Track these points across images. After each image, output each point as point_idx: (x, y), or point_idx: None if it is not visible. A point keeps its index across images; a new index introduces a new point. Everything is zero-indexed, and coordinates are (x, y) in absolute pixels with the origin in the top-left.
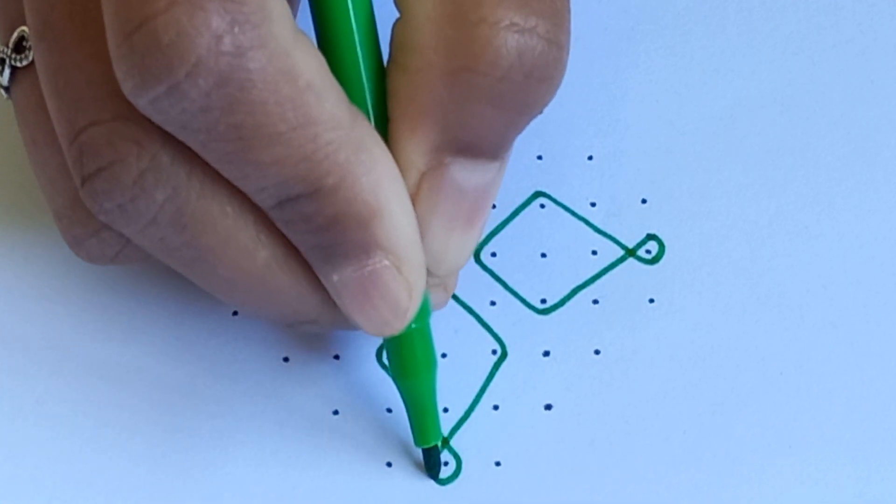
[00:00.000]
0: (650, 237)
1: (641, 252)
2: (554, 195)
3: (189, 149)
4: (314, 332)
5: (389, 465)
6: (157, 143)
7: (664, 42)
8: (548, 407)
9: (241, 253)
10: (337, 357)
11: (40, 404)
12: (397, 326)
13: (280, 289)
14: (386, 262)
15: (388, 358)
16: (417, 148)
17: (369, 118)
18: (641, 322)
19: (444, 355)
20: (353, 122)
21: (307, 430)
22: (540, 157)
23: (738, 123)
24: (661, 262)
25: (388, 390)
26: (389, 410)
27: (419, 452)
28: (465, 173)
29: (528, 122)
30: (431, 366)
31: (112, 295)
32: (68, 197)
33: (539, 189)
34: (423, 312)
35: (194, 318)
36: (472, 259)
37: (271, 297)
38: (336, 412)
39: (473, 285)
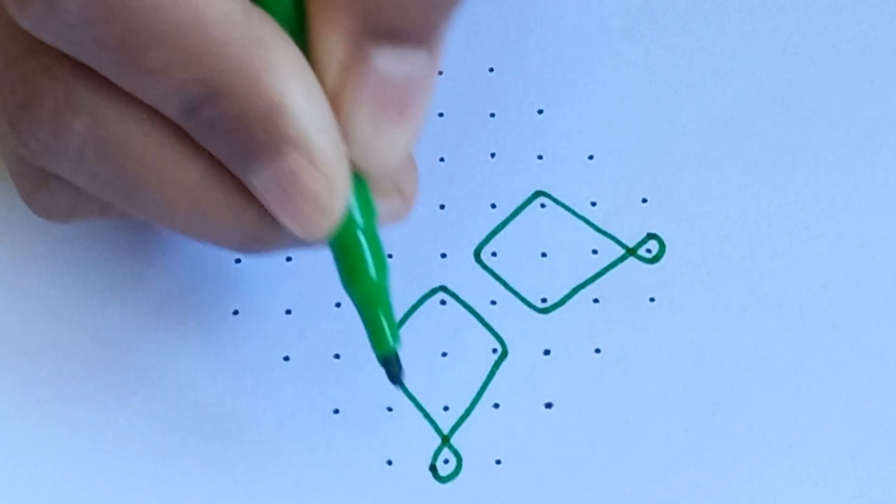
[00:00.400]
0: (651, 236)
1: (642, 251)
2: (554, 194)
3: (102, 75)
4: (264, 253)
5: (390, 463)
6: (68, 72)
7: (664, 42)
8: (548, 405)
9: (170, 174)
10: (337, 356)
11: (40, 404)
12: (325, 225)
13: (217, 205)
14: (299, 158)
15: (337, 265)
16: (336, 38)
17: (282, 12)
18: (642, 321)
19: (444, 354)
20: (248, 17)
21: (308, 429)
22: (540, 157)
23: (738, 123)
24: (662, 261)
25: (388, 389)
26: (390, 409)
27: (420, 451)
28: (390, 63)
29: (453, 4)
30: (382, 270)
31: (112, 295)
32: (15, 151)
33: (539, 188)
34: (367, 213)
35: (194, 318)
36: (472, 258)
37: (210, 216)
38: (336, 411)
39: (474, 285)
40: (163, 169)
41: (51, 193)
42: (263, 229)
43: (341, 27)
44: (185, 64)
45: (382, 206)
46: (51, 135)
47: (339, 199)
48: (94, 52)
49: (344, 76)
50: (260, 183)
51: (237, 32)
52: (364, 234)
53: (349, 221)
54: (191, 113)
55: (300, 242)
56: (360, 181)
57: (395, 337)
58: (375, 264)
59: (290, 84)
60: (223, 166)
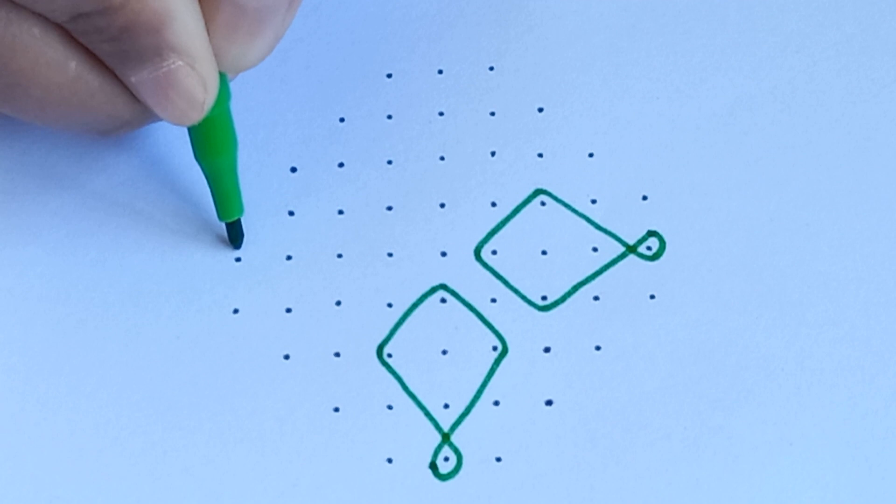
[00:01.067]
0: (651, 234)
1: (642, 248)
2: (554, 192)
3: None
4: (125, 133)
5: (390, 461)
6: None
7: (664, 39)
8: (548, 402)
9: (51, 68)
10: (337, 354)
11: (40, 404)
12: (195, 117)
13: (92, 94)
14: (179, 63)
15: (192, 142)
16: None
17: None
18: (642, 318)
19: (444, 352)
20: None
21: (308, 428)
22: (540, 155)
23: (738, 120)
24: (662, 258)
25: (388, 387)
26: (390, 407)
27: (420, 449)
28: None
29: None
30: (232, 146)
31: (112, 294)
32: None
33: (540, 186)
34: (222, 97)
35: (194, 318)
36: (472, 256)
37: (85, 105)
38: (336, 409)
39: (474, 283)
40: (46, 64)
41: None
42: (132, 114)
43: None
44: None
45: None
46: None
47: (210, 95)
48: None
49: (204, 0)
50: (139, 81)
51: None
52: (219, 118)
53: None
54: (78, 20)
55: (158, 119)
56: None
57: (239, 207)
58: (227, 144)
59: None
60: (98, 60)
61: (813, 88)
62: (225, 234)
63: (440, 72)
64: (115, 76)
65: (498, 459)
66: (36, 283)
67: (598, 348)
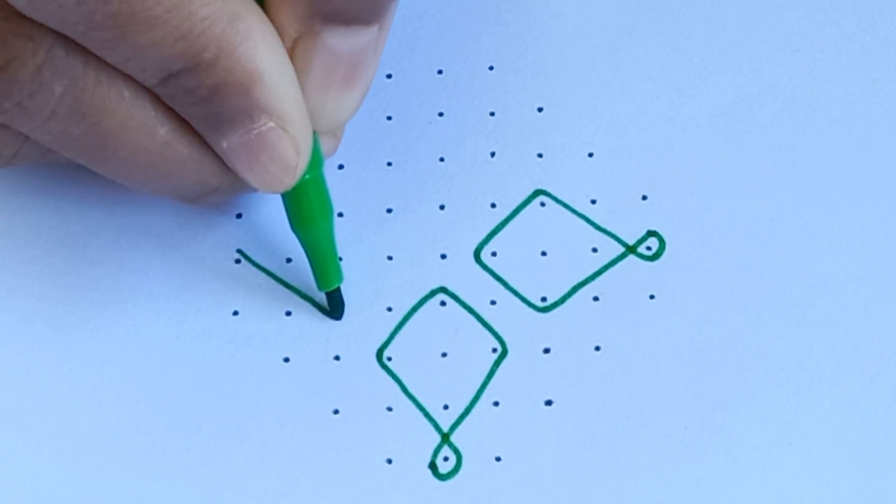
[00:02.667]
0: (651, 234)
1: (642, 249)
2: (554, 193)
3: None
4: (215, 202)
5: (389, 461)
6: (50, 37)
7: (664, 39)
8: (548, 403)
9: (140, 133)
10: (337, 357)
11: (40, 404)
12: (288, 182)
13: (181, 161)
14: (271, 124)
15: (287, 210)
16: (289, 17)
17: None
18: (642, 319)
19: (444, 354)
20: None
21: (308, 430)
22: (540, 155)
23: (738, 120)
24: (662, 258)
25: (388, 390)
26: (389, 409)
27: (420, 449)
28: (338, 39)
29: None
30: (328, 213)
31: (111, 294)
32: None
33: (539, 187)
34: (316, 162)
35: (194, 318)
36: (471, 258)
37: (173, 172)
38: (336, 411)
39: (474, 285)
40: (135, 128)
41: None
42: (221, 182)
43: (294, 6)
44: (172, 42)
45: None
46: (27, 96)
47: (303, 159)
48: (81, 29)
49: (295, 49)
50: (229, 145)
51: (217, 8)
52: (313, 184)
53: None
54: (168, 81)
55: (250, 189)
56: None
57: (339, 275)
58: (322, 211)
59: (265, 55)
60: (189, 126)
61: (813, 88)
62: (325, 303)
63: (440, 72)
64: (203, 145)
65: (497, 459)
66: (36, 283)
67: (597, 349)
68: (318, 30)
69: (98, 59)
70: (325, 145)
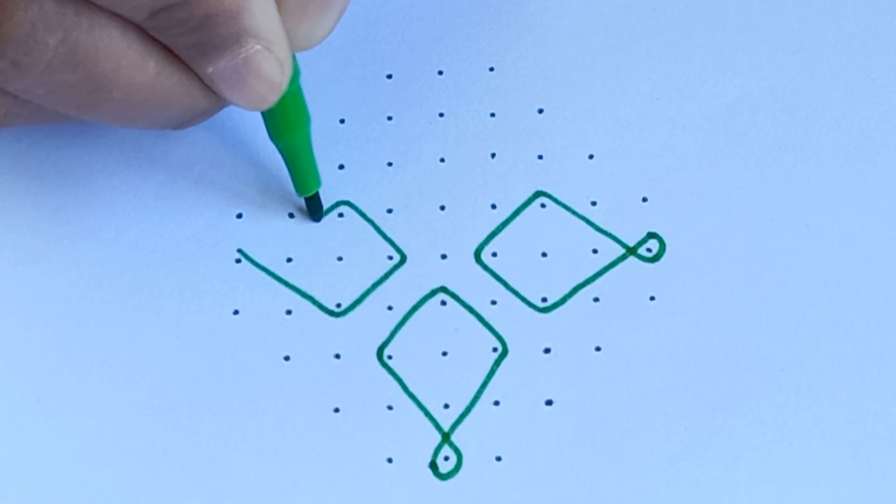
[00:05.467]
0: (651, 235)
1: (642, 250)
2: (554, 194)
3: None
4: (198, 123)
5: (390, 461)
6: None
7: (665, 40)
8: (548, 403)
9: (132, 70)
10: (337, 356)
11: (40, 404)
12: (272, 99)
13: (171, 91)
14: (258, 47)
15: (266, 122)
16: None
17: None
18: (642, 319)
19: (444, 354)
20: None
21: (308, 428)
22: (540, 157)
23: (738, 121)
24: (662, 260)
25: (388, 389)
26: (390, 408)
27: (420, 448)
28: None
29: None
30: (305, 121)
31: (112, 295)
32: None
33: (540, 188)
34: (294, 74)
35: (194, 318)
36: (472, 259)
37: (165, 102)
38: (337, 410)
39: (474, 285)
40: (127, 65)
41: None
42: (209, 104)
43: None
44: None
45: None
46: (23, 54)
47: (286, 75)
48: None
49: None
50: (215, 70)
51: None
52: (292, 95)
53: None
54: (159, 14)
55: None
56: None
57: (317, 180)
58: (301, 119)
59: None
60: (175, 56)
61: (813, 88)
62: (304, 205)
63: (440, 73)
64: (190, 70)
65: (498, 459)
66: (36, 283)
67: (598, 349)
68: None
69: (87, 4)
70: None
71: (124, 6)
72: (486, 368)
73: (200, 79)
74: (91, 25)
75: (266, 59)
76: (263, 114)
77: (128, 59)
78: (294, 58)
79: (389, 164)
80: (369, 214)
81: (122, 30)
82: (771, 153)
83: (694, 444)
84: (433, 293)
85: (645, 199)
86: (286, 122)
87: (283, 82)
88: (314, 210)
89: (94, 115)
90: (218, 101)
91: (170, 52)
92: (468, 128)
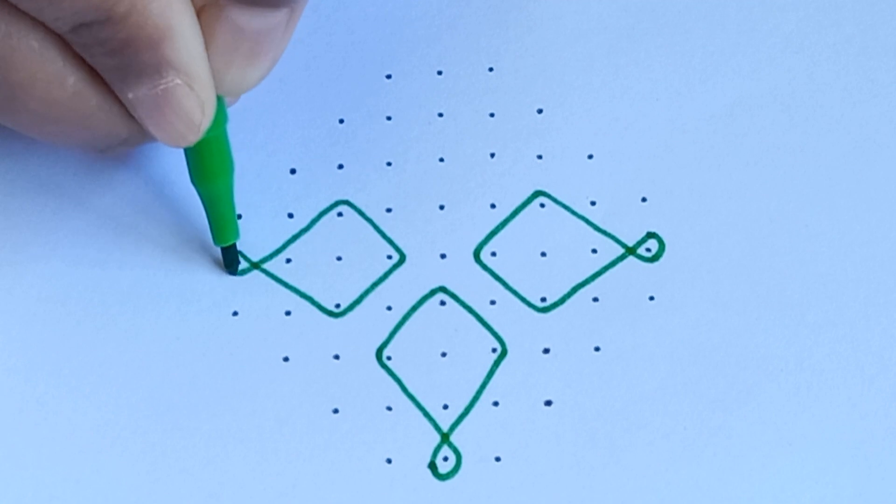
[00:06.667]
0: (650, 235)
1: (641, 250)
2: (554, 194)
3: None
4: (123, 151)
5: (389, 461)
6: None
7: (664, 41)
8: (548, 403)
9: (50, 84)
10: (337, 357)
11: (40, 405)
12: (191, 139)
13: (91, 112)
14: (178, 81)
15: (188, 164)
16: None
17: None
18: (641, 319)
19: (443, 354)
20: None
21: (307, 429)
22: (540, 157)
23: (738, 122)
24: (661, 260)
25: (387, 389)
26: (389, 408)
27: (419, 449)
28: (243, 16)
29: None
30: (228, 170)
31: (111, 296)
32: None
33: (539, 188)
34: (219, 120)
35: (193, 320)
36: (471, 258)
37: (84, 123)
38: (336, 411)
39: (473, 285)
40: (45, 78)
41: None
42: (130, 133)
43: None
44: None
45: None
46: None
47: (207, 117)
48: None
49: (203, 19)
50: (136, 98)
51: None
52: (215, 142)
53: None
54: (80, 31)
55: (156, 140)
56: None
57: (235, 232)
58: (223, 168)
59: (176, 13)
60: (98, 77)
61: (813, 88)
62: (220, 257)
63: (440, 73)
64: (114, 94)
65: (497, 459)
66: (36, 284)
67: (597, 349)
68: (224, 4)
69: (9, 8)
70: (228, 101)
71: (46, 14)
72: (485, 369)
73: (122, 106)
74: (8, 33)
75: (186, 96)
76: (186, 155)
77: (45, 73)
78: (222, 103)
79: (389, 164)
80: (368, 214)
81: (42, 42)
82: (770, 153)
83: (694, 443)
84: (432, 293)
85: (644, 199)
86: (207, 167)
87: (202, 123)
88: (229, 263)
89: (11, 122)
90: (140, 132)
91: (93, 72)
92: (467, 128)
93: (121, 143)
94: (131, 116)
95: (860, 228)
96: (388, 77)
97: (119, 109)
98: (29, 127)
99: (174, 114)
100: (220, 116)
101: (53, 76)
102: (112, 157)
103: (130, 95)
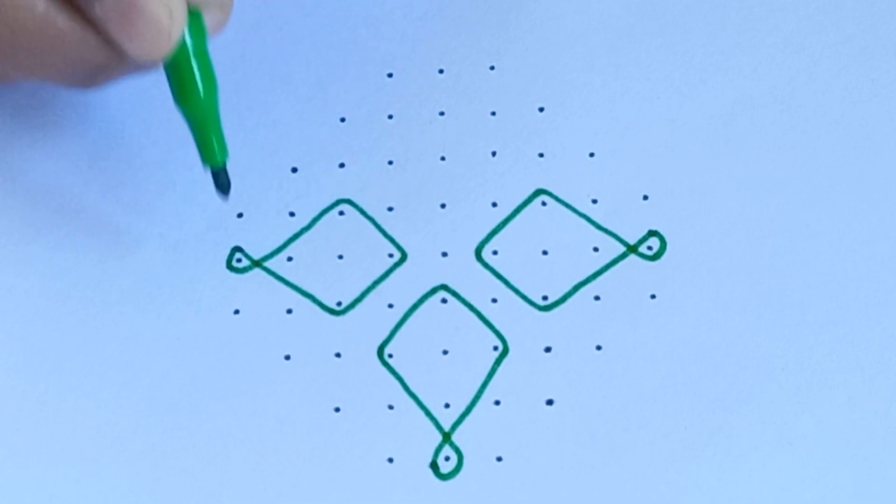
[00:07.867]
0: (651, 234)
1: (643, 248)
2: (555, 192)
3: None
4: (106, 83)
5: (391, 460)
6: None
7: (665, 40)
8: (549, 402)
9: (18, 9)
10: (338, 355)
11: (40, 404)
12: (164, 48)
13: (61, 35)
14: None
15: (170, 85)
16: None
17: None
18: (643, 318)
19: (445, 352)
20: None
21: (309, 428)
22: (541, 155)
23: (739, 121)
24: (663, 258)
25: (389, 387)
26: (391, 407)
27: (421, 448)
28: None
29: None
30: (212, 88)
31: (112, 295)
32: None
33: (540, 187)
34: (198, 33)
35: (194, 318)
36: (473, 257)
37: (56, 48)
38: (337, 409)
39: (475, 283)
40: (12, 5)
41: None
42: (106, 58)
43: None
44: None
45: (206, 19)
46: None
47: (177, 22)
48: None
49: None
50: (102, 9)
51: None
52: (195, 56)
53: (183, 45)
54: None
55: (139, 69)
56: (191, 9)
57: (223, 151)
58: (206, 84)
59: None
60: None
61: (813, 88)
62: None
63: (441, 71)
64: (83, 15)
65: (499, 459)
66: (36, 283)
67: (598, 348)
68: None
69: None
70: (213, 18)
71: None
72: (486, 367)
73: (93, 28)
74: None
75: (151, 1)
76: (167, 74)
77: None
78: (199, 17)
79: (390, 163)
80: (370, 212)
81: None
82: (771, 152)
83: (694, 443)
84: (434, 291)
85: (646, 198)
86: (187, 84)
87: (173, 29)
88: (220, 184)
89: None
90: (116, 58)
91: None
92: (469, 126)
93: (99, 70)
94: (104, 40)
95: (861, 228)
96: (390, 76)
97: (91, 32)
98: (3, 58)
99: (141, 20)
100: (199, 27)
101: (22, 1)
102: (113, 159)
103: (98, 8)
